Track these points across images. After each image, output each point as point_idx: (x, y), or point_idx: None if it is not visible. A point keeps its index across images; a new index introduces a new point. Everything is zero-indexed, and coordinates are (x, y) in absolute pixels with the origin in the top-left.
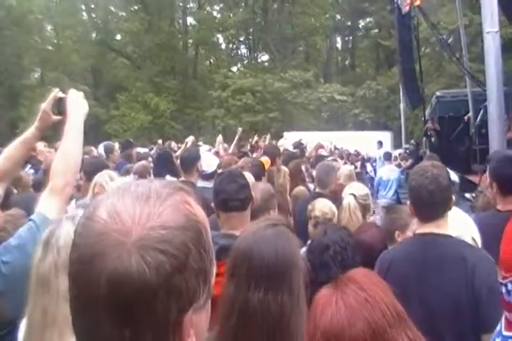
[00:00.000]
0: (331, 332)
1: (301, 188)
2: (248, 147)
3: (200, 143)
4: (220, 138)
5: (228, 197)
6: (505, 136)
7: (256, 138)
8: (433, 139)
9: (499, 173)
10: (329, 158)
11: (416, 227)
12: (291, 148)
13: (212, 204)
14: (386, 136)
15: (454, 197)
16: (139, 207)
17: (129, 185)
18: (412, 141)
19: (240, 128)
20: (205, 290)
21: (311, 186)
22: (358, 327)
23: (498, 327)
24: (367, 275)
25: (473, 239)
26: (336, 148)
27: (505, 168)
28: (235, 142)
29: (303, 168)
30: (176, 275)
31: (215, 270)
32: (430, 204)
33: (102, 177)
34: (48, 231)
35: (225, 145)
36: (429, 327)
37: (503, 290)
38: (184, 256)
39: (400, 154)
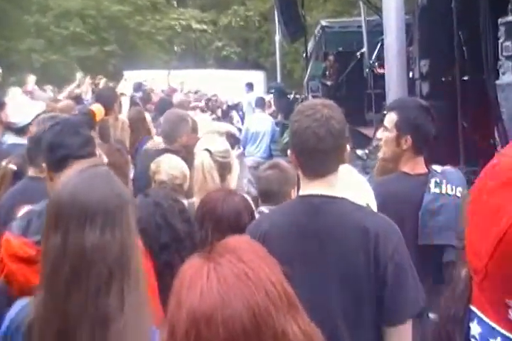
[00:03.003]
0: (200, 312)
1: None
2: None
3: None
4: (32, 78)
5: (69, 153)
6: (406, 76)
7: (88, 79)
8: (329, 83)
9: (414, 125)
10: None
11: (301, 185)
12: (131, 92)
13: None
14: (258, 77)
15: (349, 148)
16: None
17: None
18: (277, 82)
19: (79, 74)
20: None
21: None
22: (235, 308)
23: (480, 329)
24: (249, 244)
25: (368, 206)
26: (189, 92)
27: (421, 120)
28: (70, 88)
29: (147, 116)
30: None
31: None
32: (319, 153)
33: None
34: None
35: (51, 87)
36: (319, 316)
37: None
38: None
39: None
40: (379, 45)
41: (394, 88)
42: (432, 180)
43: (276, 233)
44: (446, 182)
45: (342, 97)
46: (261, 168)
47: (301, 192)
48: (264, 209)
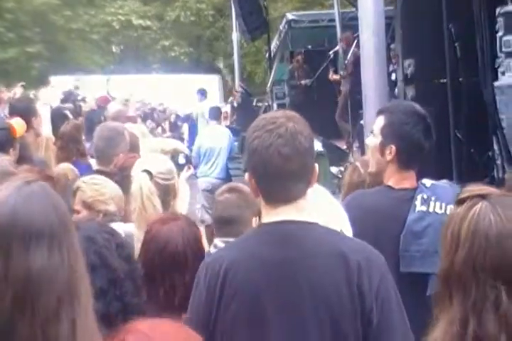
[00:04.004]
0: None
1: (67, 166)
2: None
3: None
4: None
5: None
6: (386, 79)
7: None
8: (297, 88)
9: (399, 133)
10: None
11: (264, 213)
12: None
13: None
14: (212, 82)
15: (317, 167)
16: None
17: None
18: (239, 87)
19: None
20: None
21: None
22: None
23: None
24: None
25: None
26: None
27: (409, 127)
28: None
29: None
30: None
31: None
32: (285, 176)
33: None
34: None
35: None
36: None
37: None
38: None
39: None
40: (355, 42)
41: (371, 93)
42: (419, 197)
43: (240, 271)
44: (435, 199)
45: (313, 105)
46: (218, 191)
47: (265, 220)
48: (219, 242)
